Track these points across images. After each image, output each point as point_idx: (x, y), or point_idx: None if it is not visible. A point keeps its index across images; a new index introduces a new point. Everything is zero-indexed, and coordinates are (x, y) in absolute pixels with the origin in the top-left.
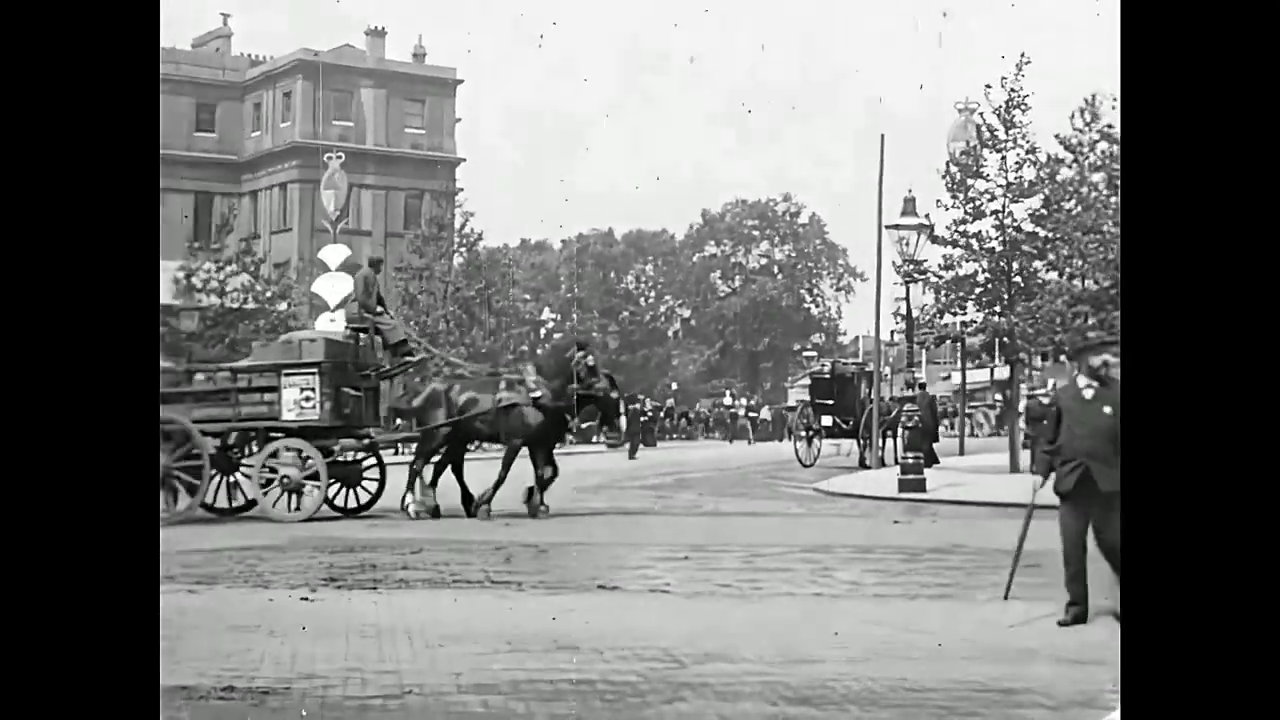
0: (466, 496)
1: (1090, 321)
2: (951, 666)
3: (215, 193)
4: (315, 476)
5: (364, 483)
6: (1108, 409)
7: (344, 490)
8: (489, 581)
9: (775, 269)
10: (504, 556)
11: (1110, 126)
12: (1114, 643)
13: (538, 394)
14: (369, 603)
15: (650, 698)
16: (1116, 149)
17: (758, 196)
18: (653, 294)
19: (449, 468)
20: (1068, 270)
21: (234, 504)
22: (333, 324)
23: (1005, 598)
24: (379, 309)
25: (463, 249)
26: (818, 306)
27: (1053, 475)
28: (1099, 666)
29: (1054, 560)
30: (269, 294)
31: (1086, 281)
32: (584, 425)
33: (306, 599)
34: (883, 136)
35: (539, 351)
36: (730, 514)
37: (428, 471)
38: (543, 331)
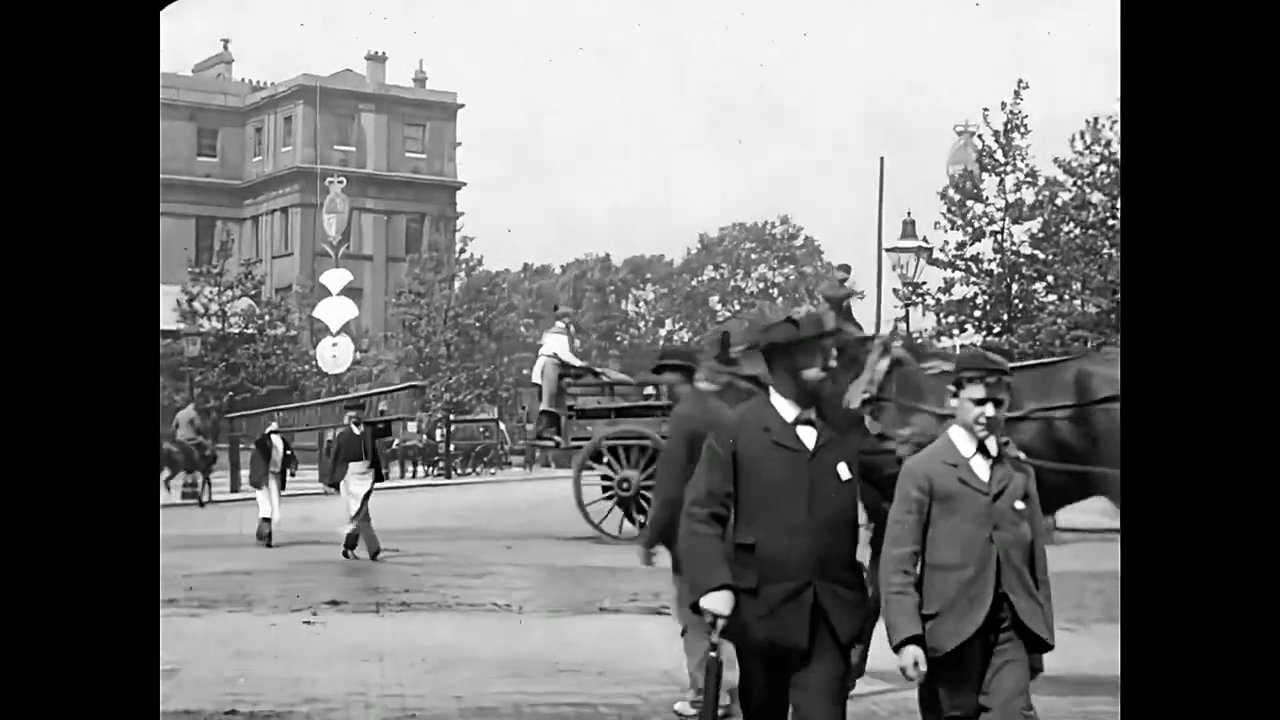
0: None
1: (1090, 345)
2: None
3: (216, 217)
4: None
5: None
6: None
7: None
8: None
9: (773, 292)
10: None
11: (1110, 148)
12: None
13: None
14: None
15: None
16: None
17: (754, 220)
18: (652, 318)
19: None
20: (1067, 293)
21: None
22: None
23: None
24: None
25: (462, 274)
26: None
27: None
28: (1103, 688)
29: (1071, 582)
30: (270, 318)
31: (1086, 304)
32: None
33: (309, 622)
34: (882, 159)
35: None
36: None
37: None
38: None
